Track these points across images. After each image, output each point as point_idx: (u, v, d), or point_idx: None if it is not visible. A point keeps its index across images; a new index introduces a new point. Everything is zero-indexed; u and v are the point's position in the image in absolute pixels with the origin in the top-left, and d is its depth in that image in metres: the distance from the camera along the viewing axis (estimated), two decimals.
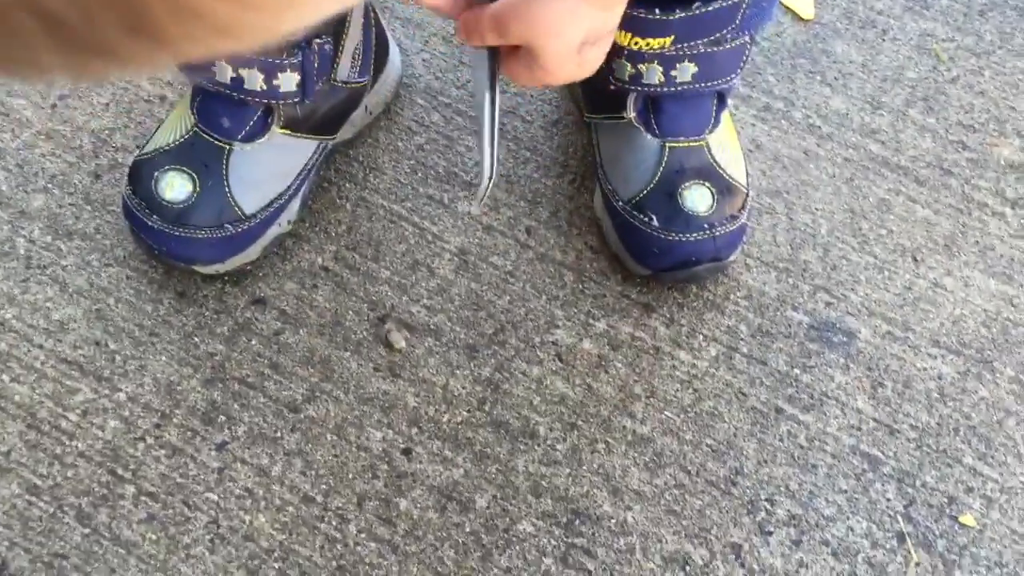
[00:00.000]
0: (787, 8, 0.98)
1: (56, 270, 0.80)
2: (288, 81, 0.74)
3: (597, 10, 0.58)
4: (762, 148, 0.90)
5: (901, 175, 0.89)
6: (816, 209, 0.87)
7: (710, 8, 0.70)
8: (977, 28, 0.97)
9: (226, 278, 0.80)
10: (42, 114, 0.87)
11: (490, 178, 0.63)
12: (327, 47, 0.74)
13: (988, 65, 0.96)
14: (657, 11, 0.70)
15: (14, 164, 0.84)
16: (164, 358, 0.77)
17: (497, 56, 0.61)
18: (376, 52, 0.83)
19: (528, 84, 0.62)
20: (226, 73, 0.73)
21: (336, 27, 0.75)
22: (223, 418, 0.75)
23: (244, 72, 0.72)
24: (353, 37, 0.77)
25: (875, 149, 0.90)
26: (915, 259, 0.85)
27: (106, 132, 0.86)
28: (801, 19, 0.98)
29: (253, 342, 0.78)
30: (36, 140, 0.85)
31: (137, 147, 0.84)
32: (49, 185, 0.84)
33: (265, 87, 0.73)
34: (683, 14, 0.70)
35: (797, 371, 0.79)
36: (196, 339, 0.78)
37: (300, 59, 0.72)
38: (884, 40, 0.97)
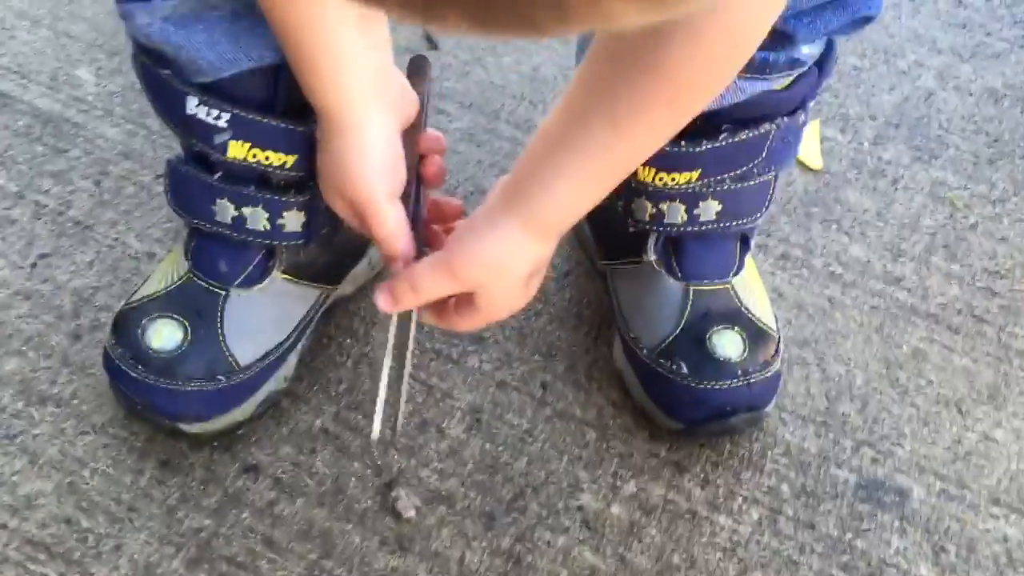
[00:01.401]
0: (796, 159, 0.96)
1: (26, 440, 0.72)
2: (293, 221, 0.69)
3: (540, 242, 0.60)
4: (785, 297, 0.85)
5: (932, 323, 0.85)
6: (848, 359, 0.82)
7: (737, 139, 0.67)
8: (988, 176, 0.96)
9: (215, 444, 0.72)
10: (20, 273, 0.81)
11: (392, 432, 0.66)
12: None
13: (1005, 212, 0.93)
14: (683, 143, 0.67)
15: None
16: (143, 536, 0.68)
17: (412, 319, 0.64)
18: None
19: (469, 328, 0.63)
20: (227, 212, 0.68)
21: None
22: None
23: (247, 211, 0.68)
24: None
25: (902, 297, 0.86)
26: (960, 411, 0.79)
27: (89, 291, 0.80)
28: (810, 169, 0.96)
29: (244, 515, 0.70)
30: (12, 301, 0.79)
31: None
32: (24, 348, 0.77)
33: (269, 227, 0.69)
34: (710, 145, 0.67)
35: (850, 535, 0.72)
36: (180, 513, 0.70)
37: (307, 198, 0.68)
38: (896, 189, 0.95)
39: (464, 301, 0.62)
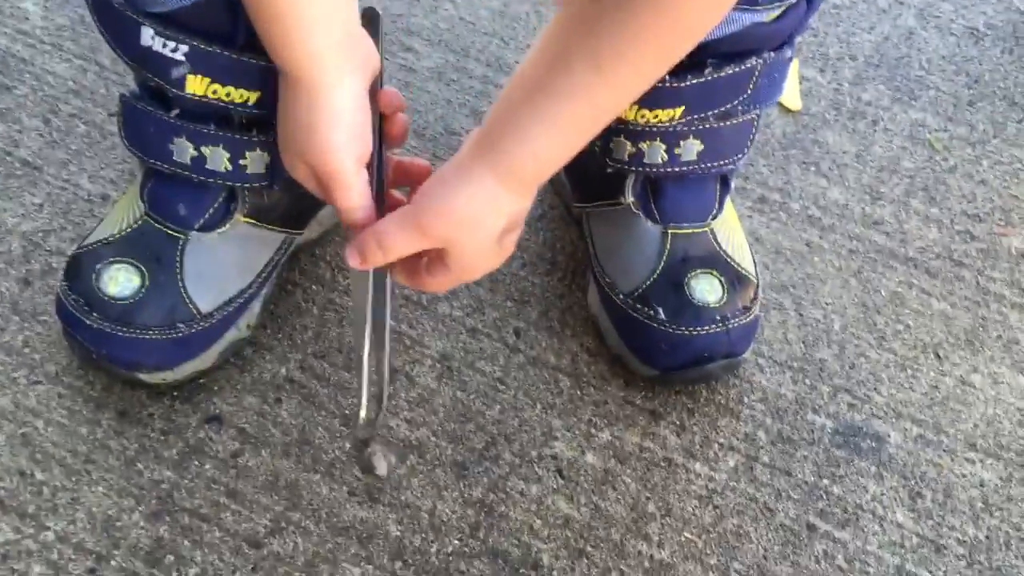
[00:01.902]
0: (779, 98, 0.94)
1: None
2: (256, 162, 0.66)
3: (516, 196, 0.57)
4: (762, 241, 0.83)
5: (911, 267, 0.83)
6: (826, 304, 0.80)
7: (723, 74, 0.65)
8: (968, 118, 0.94)
9: (175, 393, 0.70)
10: None
11: (378, 407, 0.61)
12: None
13: (985, 154, 0.92)
14: (667, 78, 0.64)
15: None
16: (101, 489, 0.66)
17: (387, 278, 0.60)
18: None
19: (442, 288, 0.60)
20: (186, 152, 0.65)
21: None
22: (171, 558, 0.64)
23: (207, 150, 0.64)
24: None
25: (880, 240, 0.85)
26: (938, 355, 0.78)
27: (39, 235, 0.77)
28: (788, 111, 0.93)
29: (207, 467, 0.67)
30: None
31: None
32: None
33: (230, 168, 0.65)
34: (695, 80, 0.65)
35: (826, 482, 0.71)
36: (140, 465, 0.67)
37: (271, 137, 0.64)
38: (875, 131, 0.93)
39: (435, 259, 0.59)
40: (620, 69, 0.53)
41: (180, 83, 0.63)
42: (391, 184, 0.64)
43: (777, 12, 0.65)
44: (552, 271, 0.79)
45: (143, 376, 0.67)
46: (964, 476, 0.72)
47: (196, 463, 0.67)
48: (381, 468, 0.65)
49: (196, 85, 0.63)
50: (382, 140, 0.62)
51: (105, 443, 0.68)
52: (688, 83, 0.65)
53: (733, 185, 0.79)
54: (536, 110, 0.54)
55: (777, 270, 0.82)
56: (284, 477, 0.67)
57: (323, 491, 0.67)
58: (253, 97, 0.63)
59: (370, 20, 0.65)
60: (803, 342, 0.78)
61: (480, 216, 0.56)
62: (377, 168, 0.61)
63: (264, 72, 0.62)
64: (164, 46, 0.61)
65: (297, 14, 0.55)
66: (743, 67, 0.65)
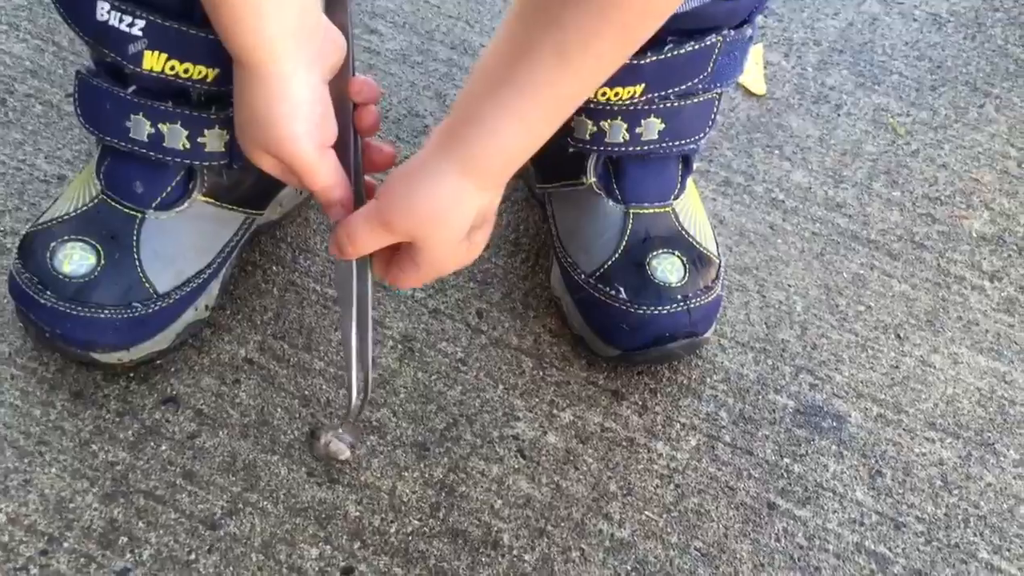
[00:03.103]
0: (738, 84, 0.94)
1: None
2: (215, 140, 0.65)
3: (482, 191, 0.56)
4: (726, 223, 0.84)
5: (873, 249, 0.84)
6: (789, 285, 0.80)
7: (682, 51, 0.65)
8: (931, 103, 0.95)
9: (131, 374, 0.69)
10: None
11: (361, 395, 0.61)
12: None
13: (946, 139, 0.92)
14: None
15: None
16: (54, 470, 0.65)
17: (369, 266, 0.60)
18: None
19: (414, 284, 0.59)
20: (143, 129, 0.64)
21: None
22: (125, 539, 0.63)
23: (164, 128, 0.63)
24: None
25: (843, 223, 0.85)
26: (898, 336, 0.79)
27: None
28: (753, 94, 0.94)
29: (163, 448, 0.66)
30: None
31: None
32: None
33: (188, 146, 0.64)
34: (654, 57, 0.64)
35: (787, 461, 0.71)
36: (94, 447, 0.66)
37: (230, 114, 0.63)
38: (839, 115, 0.93)
39: (405, 254, 0.58)
40: (585, 59, 0.52)
41: (137, 59, 0.62)
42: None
43: None
44: (515, 252, 0.79)
45: (98, 356, 0.66)
46: (923, 455, 0.72)
47: (152, 444, 0.66)
48: (344, 453, 0.64)
49: (153, 61, 0.62)
50: (355, 128, 0.61)
51: (59, 424, 0.66)
52: (648, 60, 0.64)
53: (695, 166, 0.78)
54: (500, 103, 0.53)
55: (741, 252, 0.82)
56: (242, 458, 0.66)
57: (281, 472, 0.66)
58: (212, 74, 0.63)
59: (335, 6, 0.63)
60: (765, 323, 0.78)
61: (446, 211, 0.55)
62: (353, 155, 0.60)
63: (223, 48, 0.61)
64: (120, 21, 0.60)
65: None
66: (703, 44, 0.65)
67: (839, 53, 0.98)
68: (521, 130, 0.54)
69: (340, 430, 0.65)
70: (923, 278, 0.82)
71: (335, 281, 0.68)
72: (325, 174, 0.58)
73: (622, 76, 0.65)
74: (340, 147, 0.59)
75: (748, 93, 0.93)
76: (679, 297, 0.69)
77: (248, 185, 0.71)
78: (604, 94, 0.66)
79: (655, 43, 0.64)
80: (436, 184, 0.55)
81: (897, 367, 0.77)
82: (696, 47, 0.65)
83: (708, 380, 0.74)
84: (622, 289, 0.68)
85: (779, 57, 0.97)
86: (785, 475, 0.70)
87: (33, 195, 0.77)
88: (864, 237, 0.84)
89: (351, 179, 0.60)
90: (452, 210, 0.55)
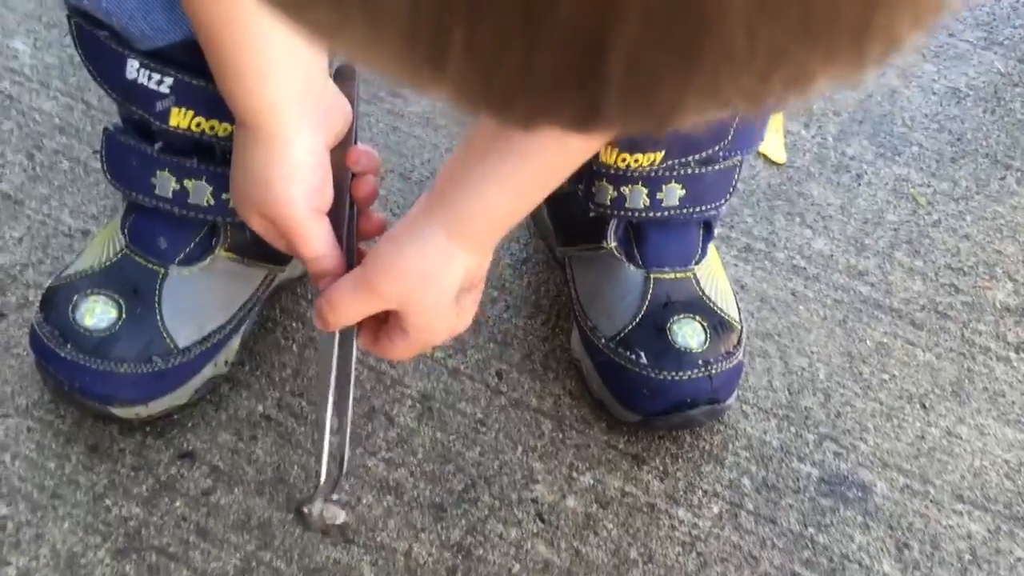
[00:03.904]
0: (759, 153, 0.94)
1: None
2: None
3: (470, 254, 0.55)
4: (748, 289, 0.83)
5: (896, 318, 0.83)
6: (811, 352, 0.80)
7: (693, 140, 0.65)
8: (952, 174, 0.95)
9: (148, 428, 0.68)
10: None
11: (338, 469, 0.60)
12: None
13: (968, 210, 0.92)
14: None
15: None
16: (67, 524, 0.64)
17: (355, 338, 0.58)
18: None
19: (403, 355, 0.58)
20: (168, 185, 0.64)
21: None
22: None
23: (189, 184, 0.64)
24: None
25: (865, 291, 0.84)
26: (924, 406, 0.77)
27: (17, 268, 0.76)
28: (773, 163, 0.94)
29: (177, 504, 0.66)
30: None
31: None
32: None
33: (213, 202, 0.65)
34: (666, 149, 0.65)
35: (812, 531, 0.69)
36: (108, 501, 0.65)
37: None
38: (860, 184, 0.93)
39: (394, 324, 0.57)
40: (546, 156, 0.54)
41: (164, 116, 0.62)
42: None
43: None
44: (536, 314, 0.79)
45: (116, 411, 0.66)
46: (951, 527, 0.71)
47: (166, 500, 0.65)
48: (340, 516, 0.63)
49: (180, 118, 0.62)
50: (351, 197, 0.60)
51: (73, 478, 0.66)
52: (658, 145, 0.65)
53: (716, 232, 0.78)
54: (488, 168, 0.54)
55: (762, 318, 0.81)
56: (256, 516, 0.65)
57: (296, 531, 0.65)
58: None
59: (345, 74, 0.64)
60: (788, 390, 0.77)
61: (431, 273, 0.54)
62: (348, 224, 0.60)
63: None
64: (149, 79, 0.61)
65: (253, 56, 0.54)
66: (712, 134, 0.65)
67: (859, 124, 0.99)
68: (508, 195, 0.55)
69: (326, 498, 0.64)
70: (947, 348, 0.81)
71: (316, 354, 0.68)
72: (317, 241, 0.57)
73: (642, 143, 0.65)
74: (335, 216, 0.58)
75: (769, 161, 0.94)
76: (700, 363, 0.68)
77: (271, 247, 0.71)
78: (624, 160, 0.66)
79: None
80: (422, 246, 0.54)
81: (923, 437, 0.76)
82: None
83: (730, 446, 0.73)
84: (643, 354, 0.68)
85: (799, 127, 0.98)
86: (810, 545, 0.69)
87: (57, 249, 0.77)
88: (887, 305, 0.84)
89: (343, 248, 0.59)
90: (439, 272, 0.54)
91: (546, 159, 0.54)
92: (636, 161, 0.67)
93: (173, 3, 0.59)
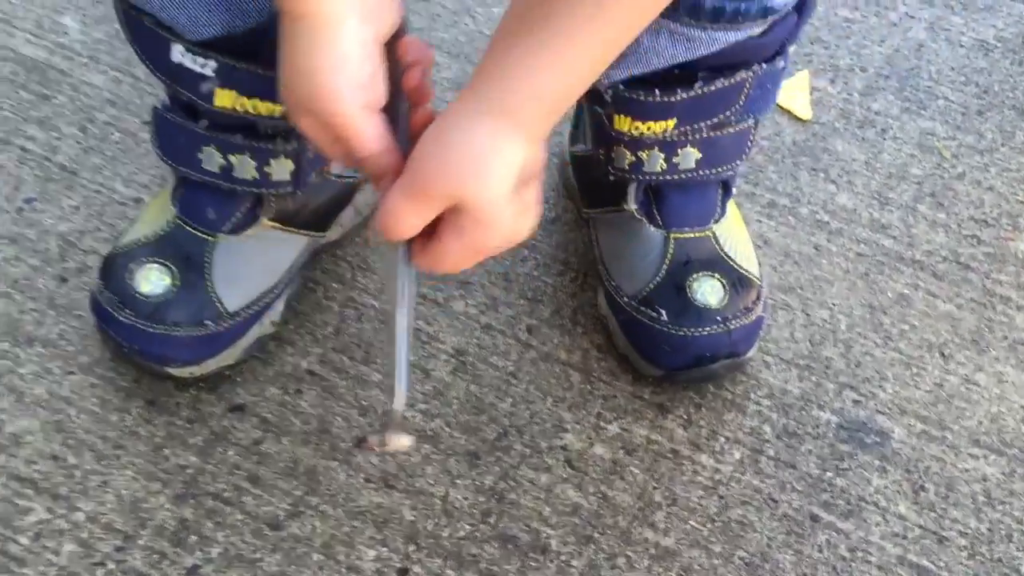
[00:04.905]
0: (784, 109, 0.96)
1: (13, 379, 0.73)
2: (281, 169, 0.69)
3: (522, 141, 0.50)
4: (771, 244, 0.86)
5: (918, 269, 0.85)
6: (833, 304, 0.82)
7: (712, 88, 0.67)
8: (977, 127, 0.96)
9: (201, 384, 0.73)
10: (7, 218, 0.81)
11: (406, 387, 0.56)
12: None
13: (993, 162, 0.93)
14: (658, 92, 0.66)
15: None
16: (130, 473, 0.69)
17: (411, 252, 0.53)
18: None
19: (457, 261, 0.52)
20: (214, 160, 0.68)
21: None
22: (195, 538, 0.66)
23: (234, 159, 0.68)
24: None
25: (888, 244, 0.86)
26: (943, 355, 0.80)
27: (75, 235, 0.80)
28: (799, 119, 0.96)
29: (230, 453, 0.70)
30: None
31: (108, 249, 0.78)
32: (10, 290, 0.77)
33: (257, 175, 0.68)
34: (684, 95, 0.67)
35: (830, 475, 0.73)
36: (166, 451, 0.70)
37: (295, 146, 0.67)
38: (885, 139, 0.94)
39: (449, 226, 0.51)
40: (622, 4, 0.50)
41: (209, 97, 0.65)
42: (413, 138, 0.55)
43: (764, 27, 0.65)
44: (564, 271, 0.82)
45: (172, 370, 0.70)
46: (967, 471, 0.73)
47: (220, 450, 0.70)
48: (406, 441, 0.58)
49: (225, 99, 0.65)
50: (403, 94, 0.55)
51: (134, 430, 0.71)
52: (678, 97, 0.66)
53: (742, 188, 0.81)
54: (536, 42, 0.49)
55: (785, 272, 0.84)
56: (303, 464, 0.70)
57: (340, 477, 0.70)
58: (278, 109, 0.66)
59: None
60: (810, 341, 0.80)
61: (482, 162, 0.49)
62: (402, 121, 0.54)
63: None
64: (194, 62, 0.64)
65: None
66: (733, 81, 0.67)
67: (885, 79, 1.00)
68: (558, 72, 0.50)
69: (390, 429, 0.60)
70: (968, 298, 0.83)
71: (381, 273, 0.60)
72: (370, 138, 0.52)
73: (653, 111, 0.67)
74: (389, 116, 0.53)
75: (794, 118, 0.96)
76: (719, 319, 0.71)
77: (312, 209, 0.75)
78: (637, 128, 0.68)
79: (685, 81, 0.66)
80: (470, 132, 0.49)
81: (941, 385, 0.78)
82: (727, 83, 0.67)
83: (752, 396, 0.76)
84: (663, 312, 0.71)
85: (825, 83, 0.99)
86: (828, 488, 0.72)
87: (111, 216, 0.82)
88: (909, 258, 0.86)
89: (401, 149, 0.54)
90: (491, 158, 0.49)
91: (595, 34, 0.50)
92: (648, 128, 0.69)
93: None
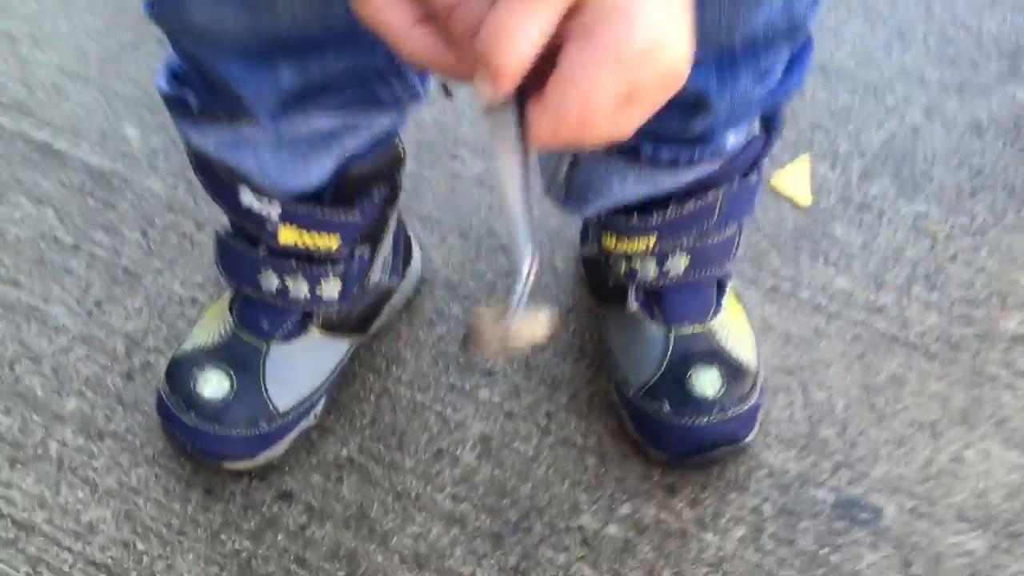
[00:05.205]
0: (787, 197, 1.03)
1: (87, 472, 0.81)
2: (331, 289, 0.77)
3: None
4: (773, 328, 0.92)
5: (911, 350, 0.91)
6: (830, 386, 0.89)
7: (684, 211, 0.74)
8: (970, 208, 1.02)
9: (253, 473, 0.81)
10: (79, 320, 0.90)
11: (530, 264, 0.44)
12: (365, 255, 0.78)
13: (984, 243, 0.99)
14: (635, 216, 0.74)
15: (50, 369, 0.87)
16: (191, 556, 0.77)
17: (525, 109, 0.39)
18: (403, 253, 0.87)
19: (597, 94, 0.35)
20: (272, 282, 0.76)
21: (373, 235, 0.79)
22: None
23: (289, 281, 0.76)
24: (386, 244, 0.81)
25: (882, 326, 0.93)
26: (933, 433, 0.86)
27: (139, 334, 0.90)
28: (800, 206, 1.02)
29: (280, 537, 0.78)
30: (72, 345, 0.89)
31: (169, 348, 0.87)
32: (83, 388, 0.86)
33: (309, 296, 0.76)
34: (660, 219, 0.74)
35: (826, 551, 0.79)
36: (223, 536, 0.78)
37: (343, 268, 0.76)
38: (881, 222, 1.01)
39: (575, 40, 0.35)
40: None
41: (274, 235, 0.73)
42: None
43: (722, 162, 0.72)
44: (581, 359, 0.89)
45: (228, 465, 0.79)
46: (954, 545, 0.79)
47: (270, 534, 0.78)
48: (540, 327, 0.45)
49: (288, 235, 0.72)
50: None
51: (195, 517, 0.79)
52: (654, 220, 0.74)
53: (736, 280, 0.88)
54: None
55: (786, 355, 0.90)
56: (345, 546, 0.78)
57: (378, 559, 0.77)
58: (335, 243, 0.74)
59: None
60: (808, 421, 0.86)
61: None
62: None
63: (343, 222, 0.73)
64: (261, 205, 0.72)
65: None
66: (705, 201, 0.74)
67: (882, 163, 1.06)
68: None
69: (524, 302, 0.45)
70: (958, 377, 0.89)
71: (492, 134, 0.42)
72: None
73: (632, 231, 0.75)
74: None
75: (796, 204, 1.02)
76: (717, 409, 0.78)
77: (355, 316, 0.83)
78: (622, 246, 0.76)
79: (660, 204, 0.74)
80: None
81: (931, 463, 0.84)
82: (699, 204, 0.74)
83: (754, 476, 0.83)
84: (666, 402, 0.78)
85: (826, 168, 1.06)
86: (824, 564, 0.78)
87: (170, 316, 0.91)
88: (903, 339, 0.92)
89: None
90: None
91: None
92: (633, 247, 0.76)
93: (283, 163, 0.68)
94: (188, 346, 0.81)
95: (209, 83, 0.65)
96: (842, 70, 1.15)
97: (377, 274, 0.82)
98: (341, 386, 0.87)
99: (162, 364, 0.83)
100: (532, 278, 0.44)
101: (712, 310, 0.81)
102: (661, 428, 0.78)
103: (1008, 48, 1.18)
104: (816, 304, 0.94)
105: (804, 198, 1.03)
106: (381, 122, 0.70)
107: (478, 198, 1.01)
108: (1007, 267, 0.98)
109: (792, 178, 1.06)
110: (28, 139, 1.04)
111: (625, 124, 0.36)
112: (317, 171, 0.70)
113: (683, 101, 0.61)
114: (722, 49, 0.62)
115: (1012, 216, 1.02)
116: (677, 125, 0.68)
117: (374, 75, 0.65)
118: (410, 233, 0.91)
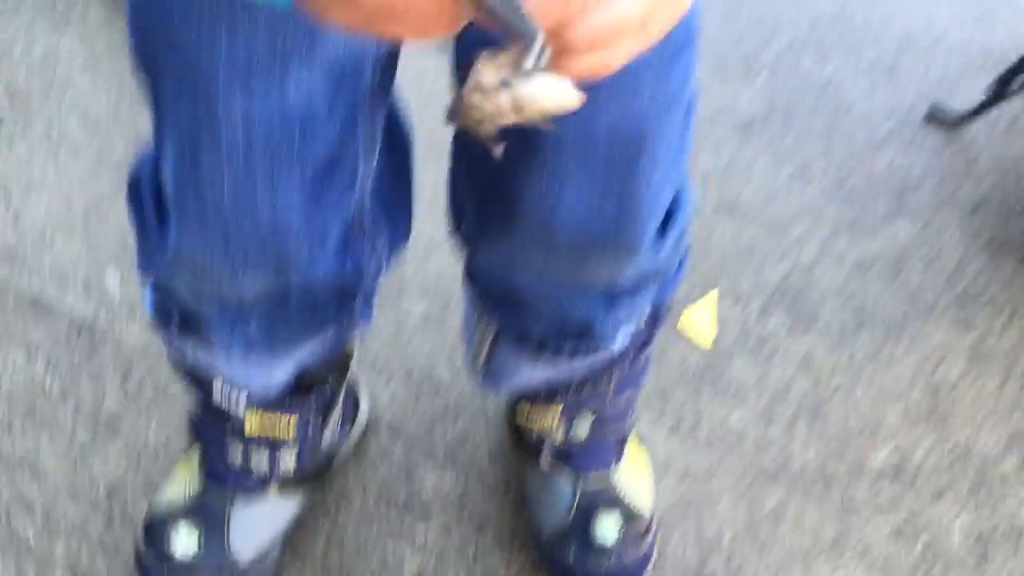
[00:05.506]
0: (688, 338, 1.17)
1: None
2: (288, 459, 0.91)
3: None
4: (672, 465, 1.07)
5: (790, 486, 1.06)
6: (721, 520, 1.03)
7: (584, 392, 0.88)
8: (850, 346, 1.16)
9: None
10: (65, 465, 1.04)
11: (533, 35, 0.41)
12: (318, 426, 0.92)
13: (860, 380, 1.14)
14: (543, 396, 0.89)
15: (40, 515, 1.01)
16: None
17: None
18: (351, 411, 1.01)
19: (630, 17, 0.40)
20: (237, 454, 0.90)
21: (326, 409, 0.92)
22: None
23: (253, 456, 0.90)
24: (337, 411, 0.95)
25: (767, 464, 1.07)
26: (805, 563, 1.00)
27: (118, 478, 1.03)
28: (702, 345, 1.16)
29: None
30: (59, 492, 1.02)
31: (144, 494, 1.00)
32: (67, 536, 0.99)
33: (268, 468, 0.90)
34: (562, 399, 0.89)
35: None
36: None
37: (298, 439, 0.89)
38: (773, 358, 1.15)
39: None
40: None
41: (241, 425, 0.88)
42: None
43: (611, 350, 0.86)
44: (507, 492, 1.03)
45: None
46: None
47: None
48: (555, 92, 0.42)
49: (253, 421, 0.87)
50: None
51: None
52: (557, 399, 0.90)
53: (648, 416, 1.02)
54: None
55: (683, 492, 1.05)
56: None
57: None
58: (293, 420, 0.89)
59: None
60: (698, 555, 1.00)
61: None
62: None
63: (302, 400, 0.87)
64: (230, 392, 0.87)
65: None
66: (601, 383, 0.89)
67: (779, 299, 1.20)
68: None
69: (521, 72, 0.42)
70: (828, 511, 1.04)
71: None
72: None
73: (539, 412, 0.89)
74: None
75: (698, 344, 1.17)
76: (614, 556, 0.92)
77: (308, 474, 0.97)
78: (531, 421, 0.92)
79: (563, 386, 0.89)
80: None
81: None
82: (596, 386, 0.89)
83: None
84: (572, 552, 0.92)
85: (730, 304, 1.20)
86: None
87: (147, 460, 1.04)
88: (784, 475, 1.06)
89: None
90: None
91: None
92: (540, 423, 0.92)
93: (251, 368, 0.83)
94: (163, 500, 0.94)
95: (184, 317, 0.79)
96: (748, 207, 1.29)
97: (328, 439, 0.96)
98: (295, 528, 1.00)
99: (139, 509, 0.96)
100: (547, 48, 0.41)
101: (613, 460, 0.95)
102: (568, 572, 0.92)
103: (896, 186, 1.32)
104: (711, 441, 1.09)
105: (708, 336, 1.17)
106: (338, 340, 0.84)
107: (421, 341, 1.15)
108: (878, 404, 1.12)
109: (700, 313, 1.19)
110: (19, 291, 1.17)
111: (639, 44, 0.42)
112: (280, 374, 0.84)
113: (576, 323, 0.77)
114: (609, 290, 0.77)
115: (886, 354, 1.16)
116: (576, 327, 0.82)
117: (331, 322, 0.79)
118: (357, 384, 1.05)
